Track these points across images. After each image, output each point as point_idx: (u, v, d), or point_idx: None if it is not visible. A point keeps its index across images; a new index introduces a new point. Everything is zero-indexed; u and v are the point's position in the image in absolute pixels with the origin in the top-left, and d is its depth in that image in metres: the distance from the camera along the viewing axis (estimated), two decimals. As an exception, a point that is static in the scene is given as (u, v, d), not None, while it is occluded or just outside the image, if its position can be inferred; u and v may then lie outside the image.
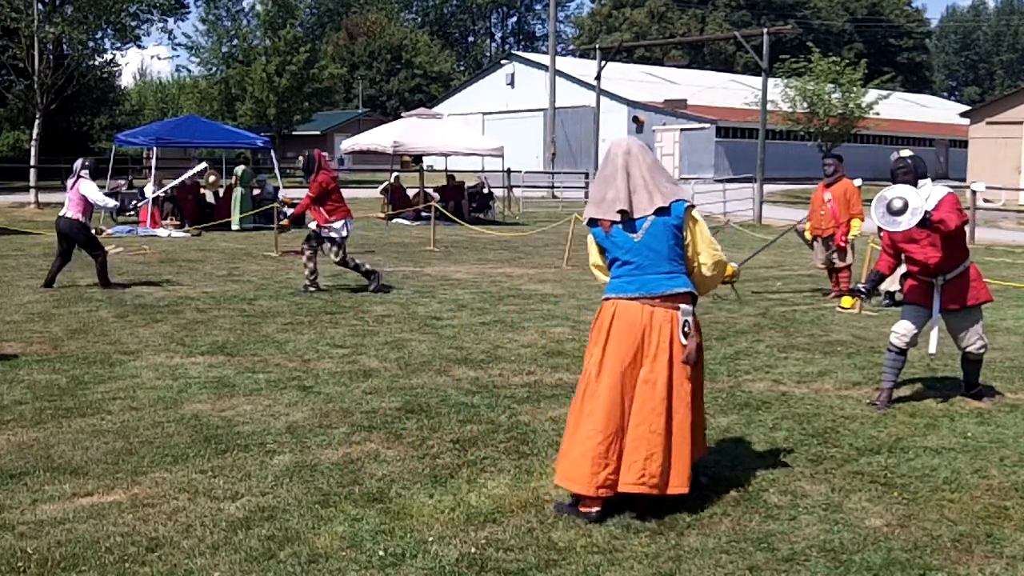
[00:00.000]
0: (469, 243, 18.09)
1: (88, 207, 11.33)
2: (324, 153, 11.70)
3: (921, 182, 6.44)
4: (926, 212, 6.10)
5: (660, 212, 4.45)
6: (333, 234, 11.13)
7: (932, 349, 6.56)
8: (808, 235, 11.70)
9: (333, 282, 12.17)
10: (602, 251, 4.70)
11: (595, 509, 4.36)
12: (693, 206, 4.57)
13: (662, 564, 3.94)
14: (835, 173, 11.19)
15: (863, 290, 7.00)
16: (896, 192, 6.23)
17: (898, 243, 6.50)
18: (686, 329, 4.44)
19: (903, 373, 6.90)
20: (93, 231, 11.65)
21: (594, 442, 4.38)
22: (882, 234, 6.78)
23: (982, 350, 6.60)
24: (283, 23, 50.49)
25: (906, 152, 6.83)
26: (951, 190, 6.58)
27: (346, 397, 6.46)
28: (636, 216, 4.47)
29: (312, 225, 11.28)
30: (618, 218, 4.48)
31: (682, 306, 4.46)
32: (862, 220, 11.05)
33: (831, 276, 11.65)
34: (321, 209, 11.06)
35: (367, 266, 11.48)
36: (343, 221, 11.16)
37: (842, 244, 11.09)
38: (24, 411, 5.98)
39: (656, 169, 4.57)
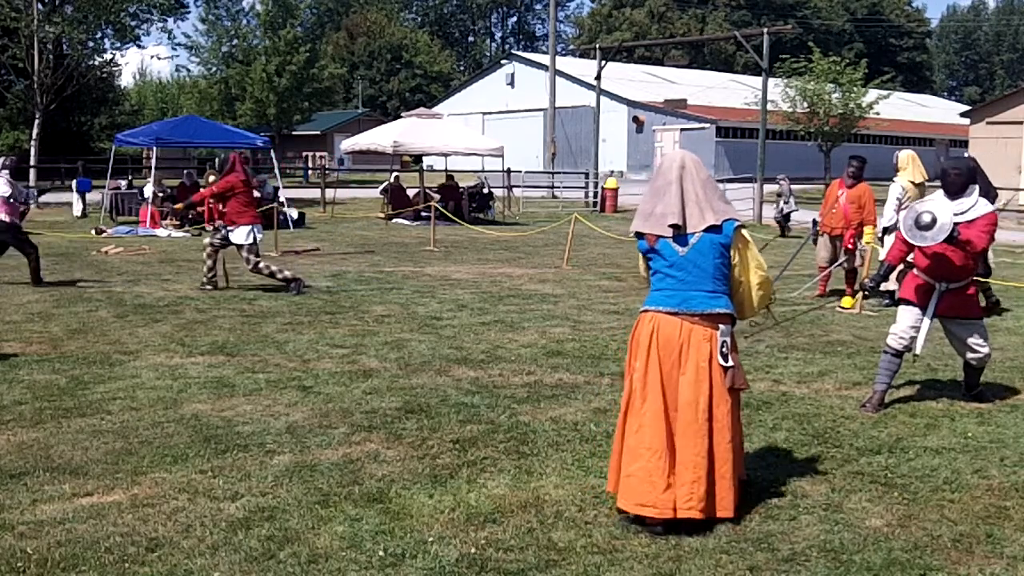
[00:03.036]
0: (469, 243, 18.09)
1: (12, 207, 11.29)
2: (244, 157, 11.60)
3: (969, 188, 6.33)
4: (954, 228, 6.05)
5: (709, 229, 4.39)
6: (237, 240, 11.03)
7: (918, 350, 6.54)
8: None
9: (333, 282, 12.18)
10: (647, 263, 4.60)
11: (659, 526, 4.29)
12: (744, 226, 4.52)
13: (662, 564, 3.94)
14: (858, 175, 11.17)
15: (870, 285, 7.01)
16: (929, 207, 6.22)
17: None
18: (724, 350, 4.37)
19: (900, 375, 6.90)
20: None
21: (649, 460, 4.31)
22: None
23: (985, 360, 6.59)
24: (283, 23, 50.48)
25: (965, 153, 6.75)
26: (994, 209, 6.53)
27: (346, 397, 6.46)
28: (688, 231, 4.39)
29: (244, 234, 11.09)
30: (669, 233, 4.39)
31: (721, 326, 4.38)
32: (875, 227, 11.03)
33: (824, 277, 11.64)
34: (221, 207, 10.98)
35: (285, 273, 11.24)
36: (249, 228, 11.02)
37: (850, 246, 11.04)
38: (24, 411, 5.98)
39: (709, 185, 4.50)
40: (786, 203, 21.56)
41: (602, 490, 4.73)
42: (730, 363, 4.39)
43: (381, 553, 3.98)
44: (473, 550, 4.02)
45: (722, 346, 4.37)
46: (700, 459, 4.31)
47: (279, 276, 11.17)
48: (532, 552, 4.03)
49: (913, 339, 6.50)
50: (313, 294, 11.10)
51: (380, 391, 6.63)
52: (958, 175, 6.31)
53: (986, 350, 6.54)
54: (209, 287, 11.17)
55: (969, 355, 6.55)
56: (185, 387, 6.65)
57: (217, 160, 11.49)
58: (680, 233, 4.39)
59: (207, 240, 11.41)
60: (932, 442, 5.65)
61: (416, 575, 3.82)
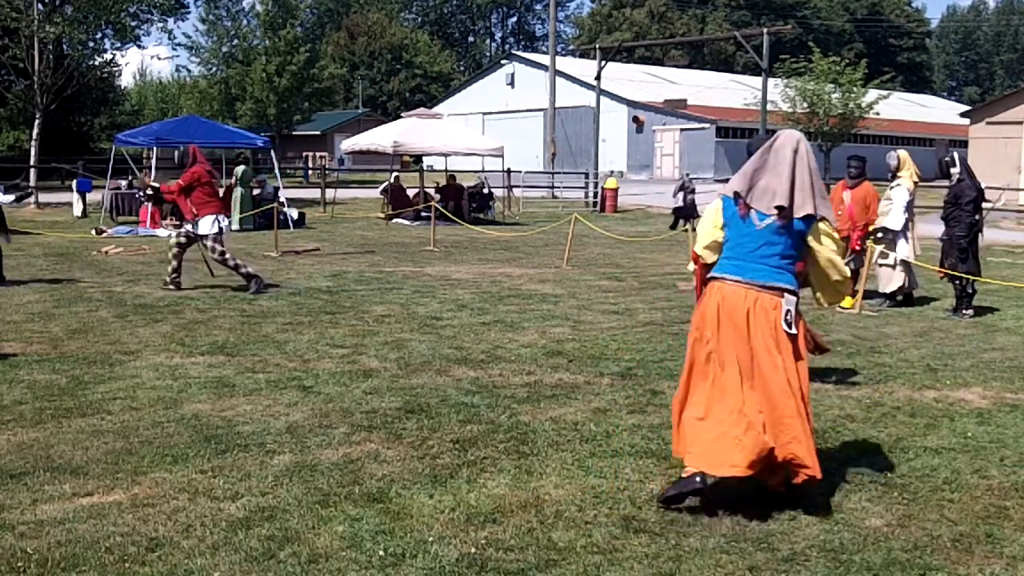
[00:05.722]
0: (469, 243, 18.09)
1: None
2: (198, 148, 11.52)
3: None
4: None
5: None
6: (202, 230, 10.97)
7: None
8: None
9: (333, 282, 12.18)
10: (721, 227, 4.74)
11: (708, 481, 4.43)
12: (826, 220, 4.62)
13: (662, 564, 3.94)
14: (859, 175, 11.17)
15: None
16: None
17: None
18: (788, 319, 4.45)
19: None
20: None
21: (732, 423, 4.42)
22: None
23: None
24: (283, 23, 50.53)
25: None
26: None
27: (346, 397, 6.46)
28: (794, 216, 4.50)
29: (206, 230, 11.03)
30: (774, 213, 4.48)
31: (786, 295, 4.48)
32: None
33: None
34: (188, 201, 10.96)
35: (247, 268, 11.18)
36: (213, 217, 10.96)
37: (857, 248, 11.02)
38: (24, 411, 5.98)
39: (816, 176, 4.62)
40: None
41: (602, 490, 4.73)
42: (794, 331, 4.46)
43: (381, 553, 3.98)
44: (473, 550, 4.02)
45: (786, 314, 4.45)
46: (793, 420, 4.39)
47: (242, 271, 11.07)
48: (532, 552, 4.03)
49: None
50: (313, 294, 11.10)
51: (380, 391, 6.63)
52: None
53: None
54: (171, 287, 11.06)
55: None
56: (185, 387, 6.65)
57: (176, 153, 11.40)
58: (786, 217, 4.48)
59: (173, 240, 11.32)
60: (932, 442, 5.65)
61: (416, 575, 3.82)
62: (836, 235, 4.72)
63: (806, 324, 4.64)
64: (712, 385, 4.53)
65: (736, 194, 4.60)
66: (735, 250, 4.58)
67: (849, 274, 4.73)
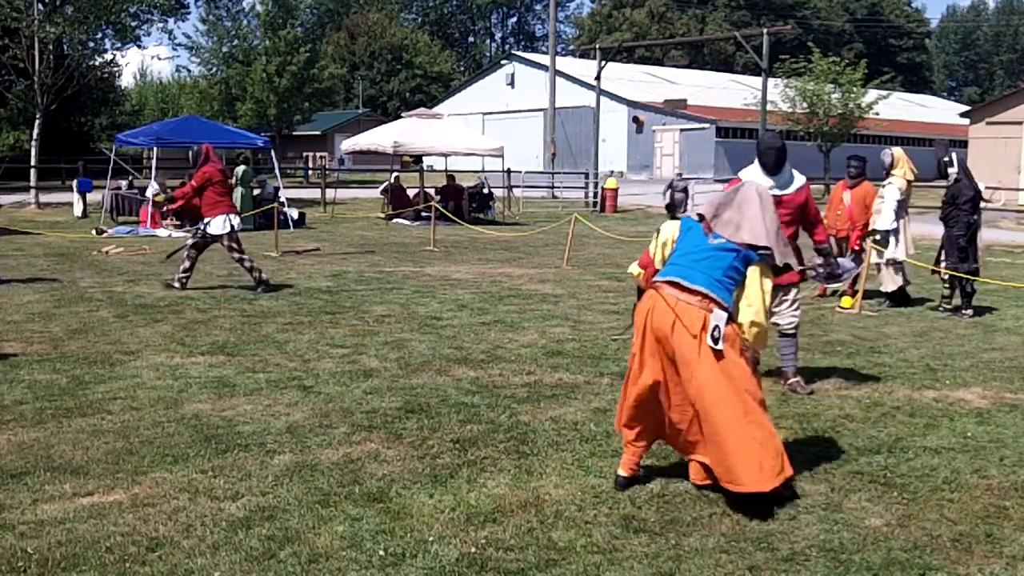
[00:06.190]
0: (469, 243, 18.10)
1: None
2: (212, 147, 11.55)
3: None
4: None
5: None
6: (214, 231, 11.01)
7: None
8: None
9: (333, 282, 12.19)
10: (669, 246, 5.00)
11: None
12: (768, 267, 4.80)
13: (662, 564, 3.94)
14: (859, 175, 11.17)
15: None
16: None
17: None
18: (716, 334, 4.47)
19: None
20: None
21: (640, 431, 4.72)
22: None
23: (798, 327, 6.97)
24: (283, 23, 50.51)
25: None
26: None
27: (346, 397, 6.46)
28: (750, 241, 4.68)
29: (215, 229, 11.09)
30: (740, 239, 4.67)
31: (716, 310, 4.50)
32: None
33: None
34: (198, 201, 10.99)
35: (260, 274, 11.16)
36: (223, 217, 11.00)
37: (856, 248, 11.03)
38: (24, 411, 5.98)
39: (776, 221, 4.84)
40: None
41: (602, 490, 4.74)
42: (719, 347, 4.49)
43: (381, 552, 3.98)
44: (473, 550, 4.03)
45: (714, 330, 4.48)
46: (709, 429, 4.50)
47: (254, 274, 11.13)
48: (532, 552, 4.03)
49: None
50: (313, 294, 11.10)
51: (380, 391, 6.64)
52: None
53: (799, 316, 6.95)
54: (176, 286, 11.09)
55: (785, 321, 6.82)
56: (186, 387, 6.66)
57: (190, 153, 11.42)
58: (751, 247, 4.69)
59: (189, 242, 11.37)
60: (931, 442, 5.66)
61: (416, 575, 3.82)
62: (769, 283, 4.87)
63: (744, 343, 4.63)
64: (630, 385, 4.72)
65: (700, 216, 4.79)
66: (682, 258, 4.71)
67: (765, 325, 4.85)
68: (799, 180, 6.69)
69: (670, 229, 5.19)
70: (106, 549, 3.97)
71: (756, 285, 4.78)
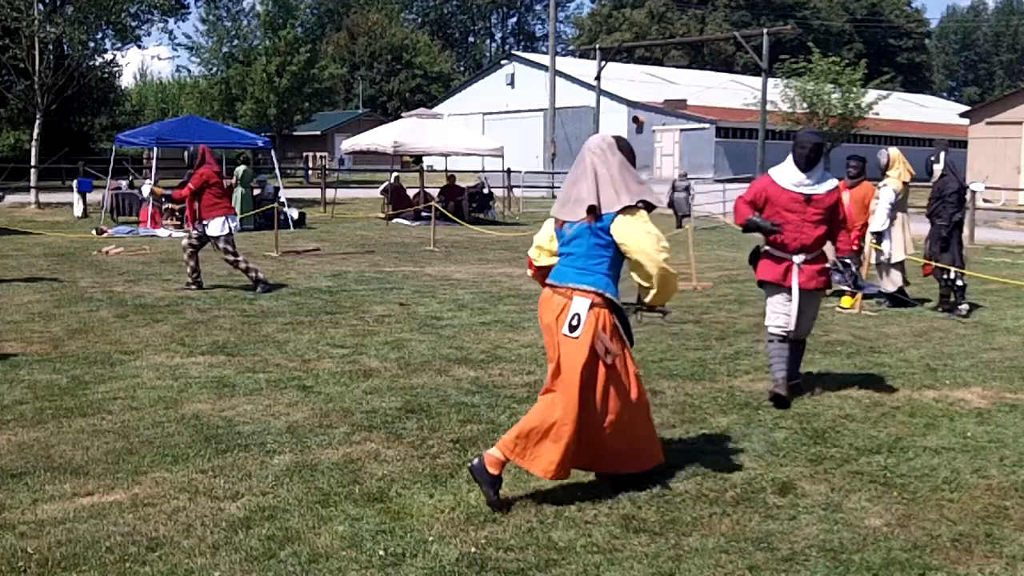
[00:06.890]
0: (469, 243, 18.10)
1: None
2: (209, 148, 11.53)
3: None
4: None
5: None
6: (211, 232, 11.02)
7: (792, 327, 6.55)
8: None
9: (333, 282, 12.19)
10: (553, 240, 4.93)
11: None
12: (636, 208, 4.54)
13: (662, 564, 3.94)
14: (858, 175, 11.17)
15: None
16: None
17: (779, 208, 6.50)
18: (575, 322, 4.51)
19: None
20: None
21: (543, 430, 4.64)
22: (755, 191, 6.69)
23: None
24: (283, 23, 50.50)
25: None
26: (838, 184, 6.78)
27: (346, 397, 6.46)
28: (604, 211, 4.53)
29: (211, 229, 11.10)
30: (581, 217, 4.56)
31: (577, 297, 4.55)
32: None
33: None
34: (196, 204, 11.00)
35: (257, 273, 11.20)
36: (222, 219, 11.02)
37: (855, 248, 11.00)
38: (24, 411, 5.98)
39: (625, 168, 4.66)
40: None
41: (602, 490, 4.73)
42: (575, 335, 4.50)
43: (381, 552, 3.98)
44: (473, 549, 4.03)
45: (572, 318, 4.53)
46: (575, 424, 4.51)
47: (250, 275, 11.15)
48: (532, 552, 4.03)
49: (788, 319, 6.55)
50: (313, 294, 11.10)
51: (380, 391, 6.64)
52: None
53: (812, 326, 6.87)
54: (194, 287, 11.14)
55: (803, 328, 6.66)
56: (186, 387, 6.66)
57: (186, 154, 11.42)
58: (598, 215, 4.52)
59: (185, 241, 11.38)
60: (931, 442, 5.66)
61: (416, 574, 3.82)
62: (648, 224, 4.54)
63: (599, 330, 4.51)
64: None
65: (555, 219, 4.78)
66: (561, 259, 4.75)
67: (664, 265, 4.49)
68: (832, 182, 6.60)
69: (547, 227, 4.98)
70: (106, 549, 3.97)
71: (635, 232, 4.49)
